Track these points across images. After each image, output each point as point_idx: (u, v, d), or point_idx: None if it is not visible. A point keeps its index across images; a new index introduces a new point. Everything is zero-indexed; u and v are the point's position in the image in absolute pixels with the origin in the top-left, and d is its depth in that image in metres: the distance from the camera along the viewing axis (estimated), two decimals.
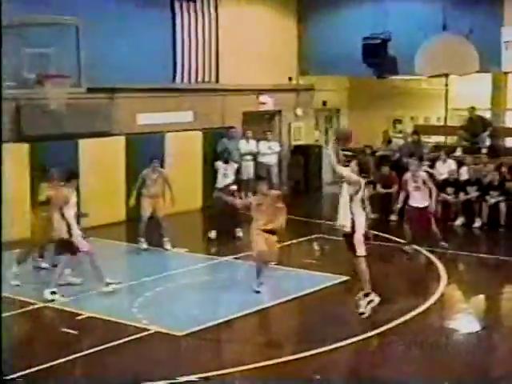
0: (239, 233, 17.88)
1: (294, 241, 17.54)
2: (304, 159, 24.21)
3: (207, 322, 11.82)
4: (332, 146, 12.23)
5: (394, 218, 19.71)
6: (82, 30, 16.29)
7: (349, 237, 11.87)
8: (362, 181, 12.04)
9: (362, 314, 11.79)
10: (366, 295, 11.83)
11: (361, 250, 11.81)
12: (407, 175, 20.23)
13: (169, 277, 14.99)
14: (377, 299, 11.85)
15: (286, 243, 17.45)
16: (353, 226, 11.78)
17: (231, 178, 18.21)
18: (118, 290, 13.77)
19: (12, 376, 9.56)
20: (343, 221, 11.90)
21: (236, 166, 18.59)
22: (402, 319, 11.96)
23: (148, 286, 14.00)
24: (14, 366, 9.72)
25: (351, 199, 11.86)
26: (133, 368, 10.24)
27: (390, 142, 22.97)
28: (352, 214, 11.81)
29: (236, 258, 16.03)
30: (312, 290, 13.70)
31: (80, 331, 11.60)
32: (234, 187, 18.04)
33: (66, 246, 13.28)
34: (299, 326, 12.92)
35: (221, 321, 12.03)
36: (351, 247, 11.85)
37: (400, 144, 22.90)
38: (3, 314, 9.04)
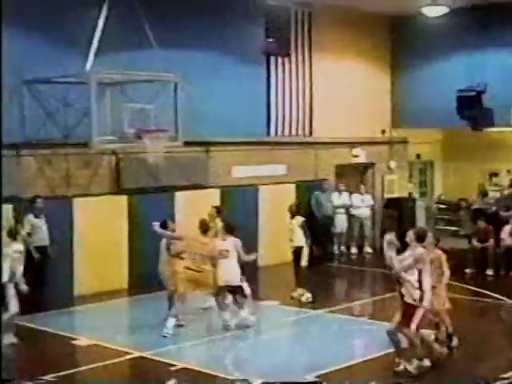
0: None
1: (387, 295, 17.38)
2: (398, 212, 24.08)
3: (298, 376, 11.77)
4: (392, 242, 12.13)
5: (490, 272, 19.51)
6: (180, 86, 16.82)
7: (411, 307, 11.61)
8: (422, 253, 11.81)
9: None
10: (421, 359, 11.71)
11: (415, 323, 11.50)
12: (505, 229, 20.06)
13: (262, 330, 15.04)
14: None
15: (378, 297, 17.57)
16: (421, 299, 11.56)
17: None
18: (212, 342, 13.96)
19: None
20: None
21: None
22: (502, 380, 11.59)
23: (242, 338, 14.09)
24: None
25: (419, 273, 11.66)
26: None
27: (485, 195, 22.62)
28: (421, 287, 11.62)
29: (331, 312, 16.02)
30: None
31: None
32: None
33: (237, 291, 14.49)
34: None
35: (315, 374, 11.92)
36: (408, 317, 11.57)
37: (496, 197, 22.69)
38: None
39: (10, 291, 13.36)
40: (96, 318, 16.03)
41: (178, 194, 18.98)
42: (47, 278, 16.11)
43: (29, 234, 15.79)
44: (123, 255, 17.93)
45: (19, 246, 13.94)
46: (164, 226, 14.70)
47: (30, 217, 16.06)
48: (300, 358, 13.25)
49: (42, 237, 16.21)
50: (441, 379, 11.81)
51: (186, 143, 17.41)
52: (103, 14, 16.68)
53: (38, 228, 16.14)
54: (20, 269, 13.68)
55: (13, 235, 13.97)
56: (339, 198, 22.68)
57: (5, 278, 13.12)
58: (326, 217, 22.03)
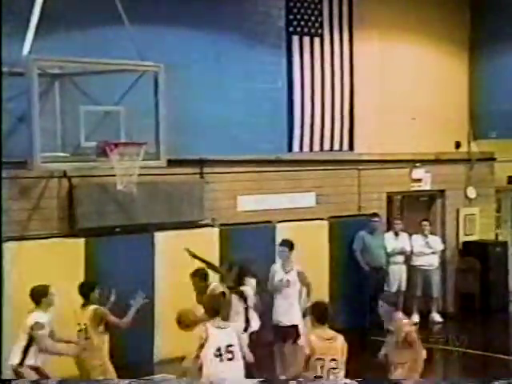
0: None
1: None
2: (480, 263, 24.06)
3: None
4: None
5: None
6: (161, 80, 16.81)
7: None
8: None
9: None
10: None
11: None
12: None
13: None
14: None
15: None
16: None
17: None
18: None
19: None
20: None
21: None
22: None
23: None
24: None
25: None
26: None
27: None
28: None
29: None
30: None
31: None
32: None
33: None
34: None
35: None
36: None
37: None
38: None
39: None
40: None
41: (160, 236, 19.04)
42: None
43: None
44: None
45: None
46: None
47: None
48: None
49: None
50: None
51: (172, 162, 17.48)
52: None
53: None
54: None
55: None
56: (395, 242, 22.67)
57: None
58: (376, 268, 22.06)
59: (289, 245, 17.79)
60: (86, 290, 14.80)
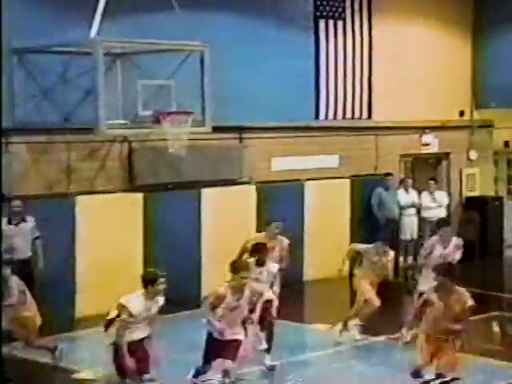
0: None
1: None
2: (480, 215, 24.11)
3: None
4: None
5: None
6: (207, 58, 16.90)
7: None
8: None
9: None
10: None
11: None
12: None
13: (309, 360, 15.31)
14: None
15: None
16: None
17: None
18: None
19: None
20: None
21: None
22: None
23: (282, 369, 14.25)
24: None
25: None
26: None
27: None
28: None
29: (390, 339, 15.95)
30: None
31: None
32: None
33: None
34: None
35: None
36: None
37: None
38: None
39: None
40: (102, 344, 16.10)
41: (205, 192, 19.15)
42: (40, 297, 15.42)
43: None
44: (137, 266, 17.96)
45: None
46: None
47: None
48: None
49: (19, 248, 15.91)
50: None
51: (216, 129, 17.52)
52: None
53: (13, 238, 15.84)
54: None
55: None
56: (407, 197, 22.69)
57: None
58: (390, 220, 22.09)
59: None
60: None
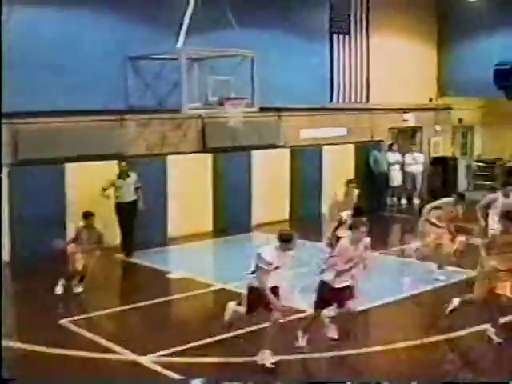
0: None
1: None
2: (442, 169, 23.98)
3: (360, 306, 11.48)
4: None
5: None
6: (256, 61, 16.88)
7: None
8: None
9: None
10: None
11: None
12: None
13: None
14: None
15: (426, 242, 17.49)
16: None
17: None
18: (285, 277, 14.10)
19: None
20: None
21: None
22: None
23: (307, 274, 14.10)
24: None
25: None
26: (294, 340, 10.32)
27: None
28: None
29: (383, 253, 15.98)
30: (451, 280, 13.55)
31: None
32: None
33: None
34: (441, 311, 12.86)
35: (372, 305, 12.08)
36: None
37: None
38: None
39: None
40: (186, 255, 16.42)
41: (254, 153, 19.13)
42: (144, 223, 16.01)
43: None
44: (208, 203, 18.23)
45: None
46: None
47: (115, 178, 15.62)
48: (365, 289, 13.17)
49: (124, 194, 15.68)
50: None
51: (261, 109, 17.43)
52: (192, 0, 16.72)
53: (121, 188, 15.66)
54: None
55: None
56: (394, 156, 22.56)
57: None
58: (382, 173, 22.02)
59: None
60: None
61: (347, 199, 14.64)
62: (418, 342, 10.32)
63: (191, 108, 16.37)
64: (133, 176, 15.64)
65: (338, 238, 10.89)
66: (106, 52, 16.32)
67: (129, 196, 15.58)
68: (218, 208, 18.36)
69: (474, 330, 10.83)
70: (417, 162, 23.04)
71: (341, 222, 13.07)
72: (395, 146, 22.77)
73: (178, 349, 9.90)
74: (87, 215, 12.77)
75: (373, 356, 10.07)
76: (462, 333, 10.74)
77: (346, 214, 13.04)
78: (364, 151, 21.85)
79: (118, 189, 15.49)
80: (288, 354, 9.85)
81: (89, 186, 15.36)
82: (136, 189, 15.59)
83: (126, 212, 15.53)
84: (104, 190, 15.21)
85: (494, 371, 9.72)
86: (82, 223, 12.80)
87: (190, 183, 17.65)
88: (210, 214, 18.27)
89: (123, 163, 15.78)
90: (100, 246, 12.85)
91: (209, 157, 18.27)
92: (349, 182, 15.50)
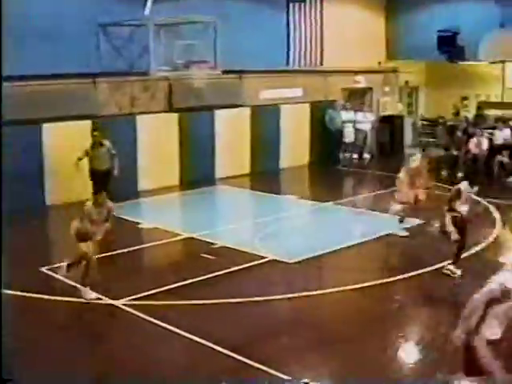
0: None
1: (381, 191, 17.69)
2: (389, 126, 24.08)
3: (312, 253, 12.03)
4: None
5: (460, 174, 19.66)
6: (218, 26, 16.71)
7: None
8: None
9: None
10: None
11: None
12: (472, 140, 20.33)
13: (284, 217, 15.32)
14: None
15: (374, 193, 17.83)
16: None
17: None
18: (245, 228, 14.26)
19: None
20: None
21: None
22: (467, 253, 11.86)
23: (268, 224, 14.35)
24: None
25: None
26: (254, 285, 10.69)
27: (458, 114, 22.88)
28: None
29: (337, 204, 16.20)
30: (394, 229, 13.69)
31: (216, 257, 11.97)
32: None
33: None
34: (385, 257, 13.02)
35: (323, 252, 12.22)
36: None
37: (466, 116, 22.84)
38: None
39: None
40: (156, 207, 16.50)
41: (218, 112, 19.08)
42: (116, 178, 15.61)
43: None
44: (175, 159, 18.27)
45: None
46: None
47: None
48: (313, 238, 13.53)
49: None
50: None
51: (224, 71, 17.35)
52: None
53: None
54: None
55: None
56: (347, 115, 22.54)
57: None
58: (337, 130, 22.06)
59: None
60: None
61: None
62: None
63: (159, 71, 16.29)
64: (107, 144, 15.35)
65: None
66: (79, 19, 16.09)
67: (104, 164, 15.31)
68: (184, 163, 18.38)
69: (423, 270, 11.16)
70: (367, 120, 23.14)
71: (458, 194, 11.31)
72: (348, 105, 22.83)
73: (151, 292, 10.07)
74: (97, 191, 11.41)
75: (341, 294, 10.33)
76: (413, 273, 11.04)
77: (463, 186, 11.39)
78: (319, 110, 21.84)
79: (92, 158, 15.19)
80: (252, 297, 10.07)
81: (64, 146, 15.33)
82: (111, 156, 15.32)
83: (100, 178, 15.14)
84: (79, 159, 14.97)
85: (439, 304, 10.08)
86: (89, 202, 10.52)
87: (158, 141, 17.63)
88: (176, 168, 18.33)
89: (96, 132, 15.44)
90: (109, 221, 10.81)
91: (175, 116, 18.19)
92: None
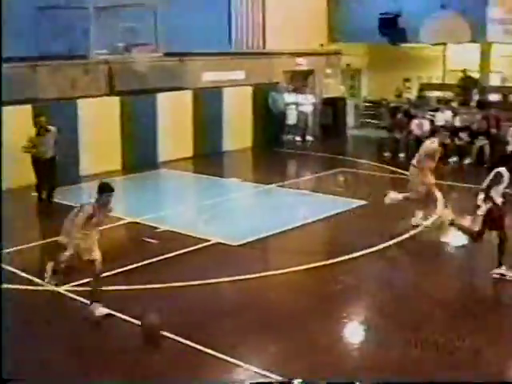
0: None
1: (324, 173, 17.91)
2: (332, 109, 24.22)
3: (256, 235, 12.11)
4: None
5: (402, 155, 19.98)
6: (159, 10, 16.60)
7: None
8: None
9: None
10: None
11: None
12: (414, 122, 20.65)
13: (227, 200, 15.36)
14: None
15: (317, 175, 17.99)
16: None
17: None
18: (188, 212, 14.27)
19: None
20: None
21: None
22: (409, 233, 12.18)
23: (212, 207, 14.41)
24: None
25: None
26: (198, 269, 10.66)
27: (400, 96, 23.18)
28: None
29: (280, 186, 16.30)
30: (338, 211, 13.92)
31: (159, 241, 11.98)
32: None
33: None
34: (329, 238, 13.24)
35: (267, 234, 12.28)
36: None
37: (408, 97, 23.16)
38: None
39: None
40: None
41: (160, 95, 18.94)
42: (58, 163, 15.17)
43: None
44: (117, 143, 18.13)
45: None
46: None
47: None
48: (257, 221, 13.60)
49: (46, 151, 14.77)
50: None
51: (165, 54, 17.25)
52: None
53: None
54: None
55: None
56: (289, 97, 22.67)
57: None
58: (280, 112, 22.19)
59: None
60: None
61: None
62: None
63: (99, 54, 16.12)
64: (52, 130, 14.69)
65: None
66: (18, 2, 15.64)
67: (48, 152, 14.62)
68: (126, 147, 18.24)
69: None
70: (308, 103, 23.24)
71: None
72: (290, 87, 22.93)
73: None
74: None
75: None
76: (357, 254, 11.20)
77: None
78: (262, 93, 21.85)
79: (38, 146, 14.53)
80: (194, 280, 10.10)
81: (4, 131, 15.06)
82: (55, 142, 14.72)
83: (44, 167, 14.52)
84: (25, 148, 14.46)
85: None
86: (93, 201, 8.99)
87: (99, 125, 17.44)
88: (119, 153, 18.19)
89: (42, 118, 14.76)
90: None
91: (117, 100, 18.02)
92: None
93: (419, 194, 12.78)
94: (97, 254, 8.89)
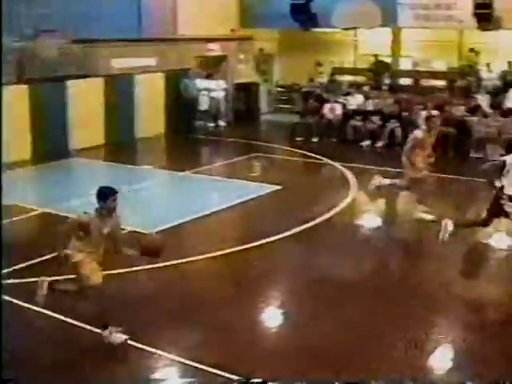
0: None
1: (238, 158, 18.02)
2: (245, 94, 24.39)
3: (170, 223, 12.17)
4: None
5: (315, 140, 20.27)
6: None
7: None
8: None
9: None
10: None
11: None
12: (327, 106, 21.01)
13: (140, 188, 15.23)
14: None
15: (231, 160, 18.07)
16: None
17: None
18: None
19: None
20: None
21: None
22: (324, 217, 12.43)
23: (125, 195, 14.22)
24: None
25: None
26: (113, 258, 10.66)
27: (312, 80, 23.46)
28: None
29: (194, 173, 16.34)
30: (253, 196, 14.06)
31: None
32: None
33: None
34: (243, 224, 13.33)
35: (181, 221, 12.40)
36: None
37: (320, 82, 23.48)
38: None
39: None
40: (7, 183, 15.94)
41: (70, 82, 18.67)
42: None
43: None
44: (27, 132, 17.77)
45: None
46: None
47: None
48: (171, 208, 13.70)
49: None
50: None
51: (75, 41, 17.10)
52: None
53: None
54: None
55: None
56: (201, 83, 22.70)
57: None
58: (192, 98, 22.20)
59: None
60: None
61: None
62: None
63: (8, 41, 15.67)
64: None
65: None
66: None
67: None
68: (36, 136, 17.92)
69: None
70: (220, 88, 23.29)
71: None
72: (202, 73, 22.92)
73: (6, 271, 9.82)
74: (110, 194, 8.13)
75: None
76: (273, 238, 11.32)
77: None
78: (174, 79, 21.80)
79: None
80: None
81: None
82: None
83: None
84: None
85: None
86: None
87: (7, 114, 16.95)
88: (28, 142, 17.85)
89: None
90: None
91: (25, 88, 17.69)
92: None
93: (407, 182, 12.47)
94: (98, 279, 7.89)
